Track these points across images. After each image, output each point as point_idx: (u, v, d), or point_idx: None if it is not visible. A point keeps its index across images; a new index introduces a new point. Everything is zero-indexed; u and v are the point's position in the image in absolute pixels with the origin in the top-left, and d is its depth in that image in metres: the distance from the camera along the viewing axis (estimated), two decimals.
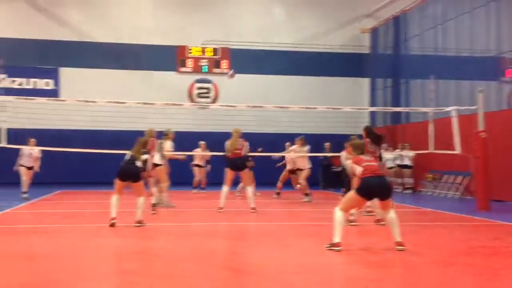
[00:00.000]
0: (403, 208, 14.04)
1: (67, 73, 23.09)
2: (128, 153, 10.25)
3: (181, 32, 23.82)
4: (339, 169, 15.05)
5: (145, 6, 24.18)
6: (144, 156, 10.25)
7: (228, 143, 12.75)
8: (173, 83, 23.58)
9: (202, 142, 17.70)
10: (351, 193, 7.76)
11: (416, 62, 21.22)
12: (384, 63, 23.43)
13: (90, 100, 16.01)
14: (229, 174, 12.78)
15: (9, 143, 14.32)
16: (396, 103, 22.03)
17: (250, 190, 12.76)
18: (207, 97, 23.94)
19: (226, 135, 13.01)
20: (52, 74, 23.12)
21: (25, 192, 15.70)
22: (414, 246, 7.99)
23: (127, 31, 23.48)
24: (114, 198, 9.96)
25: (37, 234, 9.22)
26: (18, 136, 15.49)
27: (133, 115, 17.99)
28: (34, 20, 22.93)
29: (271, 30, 24.55)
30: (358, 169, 7.71)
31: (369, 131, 10.77)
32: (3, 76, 22.43)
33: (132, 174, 10.01)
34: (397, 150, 20.11)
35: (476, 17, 17.55)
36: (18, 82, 22.82)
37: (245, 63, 24.03)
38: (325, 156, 18.42)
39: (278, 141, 18.15)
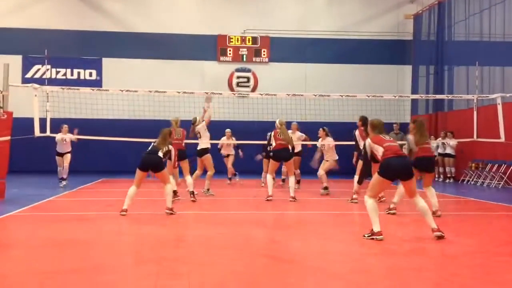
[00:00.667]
0: (445, 197, 13.81)
1: (109, 64, 23.38)
2: (152, 144, 10.34)
3: (221, 21, 23.82)
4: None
5: None
6: (166, 147, 10.28)
7: (277, 135, 12.60)
8: (213, 72, 23.66)
9: (227, 130, 17.47)
10: (375, 177, 7.70)
11: (460, 49, 20.70)
12: (427, 49, 22.93)
13: (132, 89, 16.23)
14: (273, 164, 12.77)
15: (53, 132, 14.66)
16: (439, 91, 21.60)
17: (292, 179, 12.74)
18: (247, 86, 23.96)
19: (265, 124, 12.98)
20: (96, 65, 23.44)
21: (61, 179, 16.03)
22: (456, 235, 7.86)
23: (168, 21, 23.58)
24: (131, 189, 10.01)
25: (79, 221, 9.40)
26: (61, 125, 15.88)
27: (174, 104, 18.08)
28: (77, 11, 23.25)
29: (311, 18, 24.30)
30: (380, 150, 7.63)
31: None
32: (47, 67, 22.85)
33: (152, 164, 10.06)
34: (439, 139, 19.76)
35: None
36: (62, 73, 23.24)
37: (285, 52, 23.94)
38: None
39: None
